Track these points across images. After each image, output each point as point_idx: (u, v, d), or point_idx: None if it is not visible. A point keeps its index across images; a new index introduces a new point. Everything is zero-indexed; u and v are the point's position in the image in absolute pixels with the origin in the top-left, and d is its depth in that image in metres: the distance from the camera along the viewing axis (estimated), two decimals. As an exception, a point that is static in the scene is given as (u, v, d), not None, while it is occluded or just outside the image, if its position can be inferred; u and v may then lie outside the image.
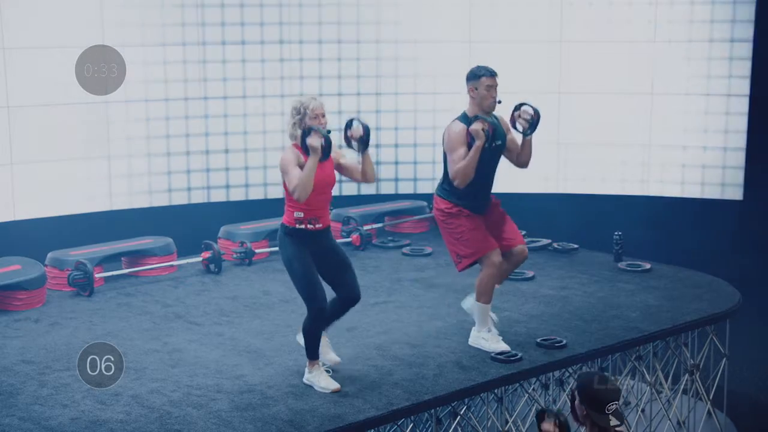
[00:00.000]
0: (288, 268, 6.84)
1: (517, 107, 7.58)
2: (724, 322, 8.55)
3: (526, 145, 7.58)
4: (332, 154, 6.79)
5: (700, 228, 11.18)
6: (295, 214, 6.72)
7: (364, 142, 6.84)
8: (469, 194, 7.43)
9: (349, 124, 6.92)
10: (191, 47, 10.62)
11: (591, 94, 11.26)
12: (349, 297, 6.93)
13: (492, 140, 7.35)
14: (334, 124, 6.90)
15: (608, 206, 11.26)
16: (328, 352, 7.08)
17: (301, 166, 6.59)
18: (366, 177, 6.93)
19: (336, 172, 6.92)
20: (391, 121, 11.38)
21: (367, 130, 6.84)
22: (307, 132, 6.60)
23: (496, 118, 7.47)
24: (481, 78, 7.37)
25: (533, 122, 7.51)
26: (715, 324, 8.49)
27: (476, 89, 7.37)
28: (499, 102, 7.43)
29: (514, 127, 7.60)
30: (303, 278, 6.73)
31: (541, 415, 5.31)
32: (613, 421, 4.98)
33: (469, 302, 7.67)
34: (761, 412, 9.17)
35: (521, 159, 7.65)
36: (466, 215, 7.43)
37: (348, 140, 6.92)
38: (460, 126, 7.35)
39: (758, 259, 11.00)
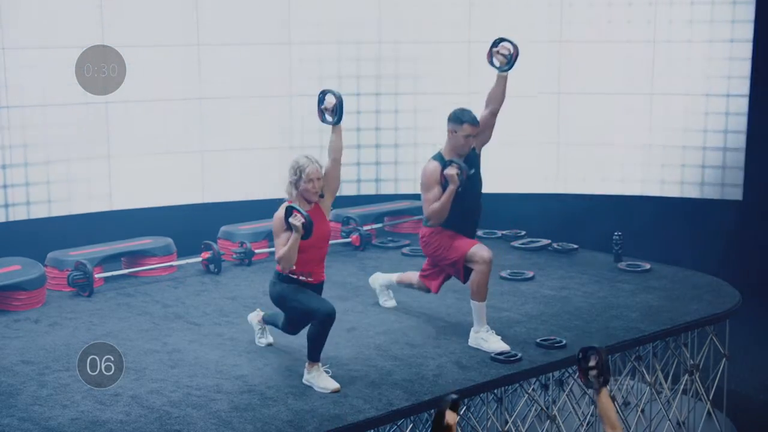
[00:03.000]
0: (282, 304, 6.97)
1: (496, 43, 7.58)
2: (724, 322, 8.55)
3: (501, 82, 7.58)
4: (315, 199, 6.86)
5: (700, 228, 11.18)
6: None
7: (338, 113, 6.86)
8: (455, 224, 7.59)
9: (321, 99, 6.95)
10: (191, 47, 10.61)
11: (591, 94, 11.26)
12: (293, 333, 7.23)
13: (465, 179, 7.45)
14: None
15: (608, 206, 11.26)
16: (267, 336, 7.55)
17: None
18: (335, 152, 6.93)
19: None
20: (391, 121, 11.38)
21: (340, 99, 6.85)
22: (288, 212, 6.67)
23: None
24: (463, 124, 7.47)
25: (511, 58, 7.52)
26: (715, 324, 8.49)
27: (455, 132, 7.50)
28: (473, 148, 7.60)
29: (491, 64, 7.60)
30: (300, 298, 6.84)
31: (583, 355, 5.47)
32: None
33: (374, 278, 8.42)
34: (761, 412, 9.16)
35: (494, 98, 7.61)
36: (448, 234, 7.60)
37: (323, 114, 6.95)
38: (434, 164, 7.52)
39: (758, 259, 11.00)
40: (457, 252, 7.56)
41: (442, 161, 7.48)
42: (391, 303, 8.44)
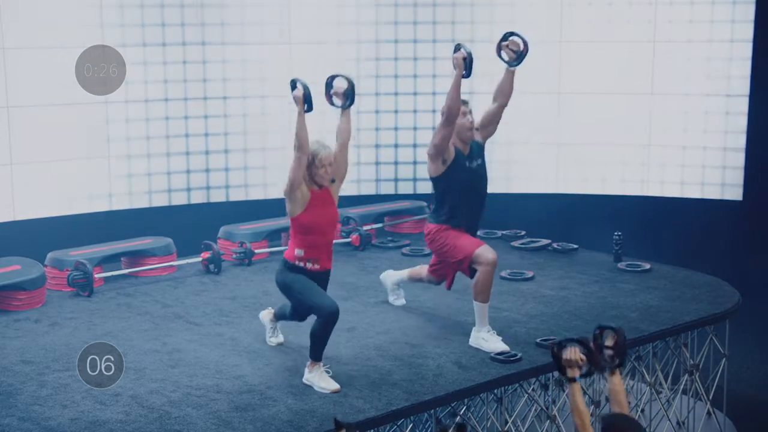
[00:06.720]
0: (287, 293, 6.97)
1: (505, 37, 7.58)
2: (723, 322, 8.55)
3: (508, 77, 7.60)
4: (327, 184, 6.84)
5: (700, 228, 11.18)
6: (296, 251, 6.85)
7: (349, 96, 6.85)
8: (457, 216, 7.61)
9: (330, 83, 6.94)
10: (191, 47, 10.62)
11: (591, 94, 11.26)
12: (301, 320, 7.27)
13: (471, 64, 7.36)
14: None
15: (608, 206, 11.26)
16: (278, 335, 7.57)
17: (304, 197, 6.76)
18: (343, 135, 6.93)
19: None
20: (391, 121, 11.38)
21: (351, 83, 6.83)
22: (293, 85, 6.73)
23: (473, 141, 7.65)
24: None
25: (520, 54, 7.52)
26: (715, 324, 8.49)
27: None
28: (477, 129, 7.62)
29: (499, 57, 7.61)
30: (305, 293, 6.84)
31: (558, 349, 5.37)
32: None
33: (386, 276, 8.48)
34: (761, 412, 9.16)
35: (501, 93, 7.64)
36: (453, 233, 7.61)
37: (331, 99, 6.94)
38: None
39: (758, 259, 11.00)
40: (462, 252, 7.56)
41: None
42: (400, 302, 8.45)
